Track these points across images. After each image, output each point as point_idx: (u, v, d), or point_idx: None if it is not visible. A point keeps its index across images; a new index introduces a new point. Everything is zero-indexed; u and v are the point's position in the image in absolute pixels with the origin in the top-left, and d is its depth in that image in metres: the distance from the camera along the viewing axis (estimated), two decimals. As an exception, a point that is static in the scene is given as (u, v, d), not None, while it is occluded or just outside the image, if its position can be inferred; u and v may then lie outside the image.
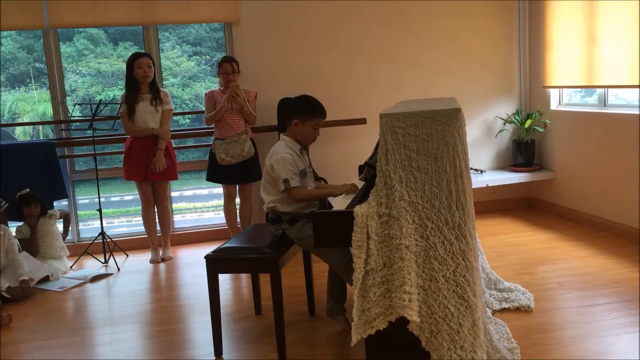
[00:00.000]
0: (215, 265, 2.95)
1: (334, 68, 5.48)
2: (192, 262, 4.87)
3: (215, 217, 6.04)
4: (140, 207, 5.06)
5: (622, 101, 4.96)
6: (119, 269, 4.73)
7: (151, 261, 4.89)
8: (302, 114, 3.15)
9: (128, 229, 6.14)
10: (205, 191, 8.51)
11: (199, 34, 8.19)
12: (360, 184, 3.20)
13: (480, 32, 5.75)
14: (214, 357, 3.04)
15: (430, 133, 2.26)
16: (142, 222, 5.02)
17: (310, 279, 3.51)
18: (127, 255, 5.09)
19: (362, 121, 5.38)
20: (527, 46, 5.82)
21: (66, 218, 4.99)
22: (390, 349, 2.42)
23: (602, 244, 4.57)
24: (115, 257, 4.90)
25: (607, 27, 4.66)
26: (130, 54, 4.86)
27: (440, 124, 2.25)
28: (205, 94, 4.96)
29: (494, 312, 3.35)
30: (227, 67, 4.86)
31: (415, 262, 2.29)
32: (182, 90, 8.50)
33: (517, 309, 3.39)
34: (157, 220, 5.00)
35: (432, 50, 5.66)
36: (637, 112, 4.52)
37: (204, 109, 4.96)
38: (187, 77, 8.42)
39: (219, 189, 5.78)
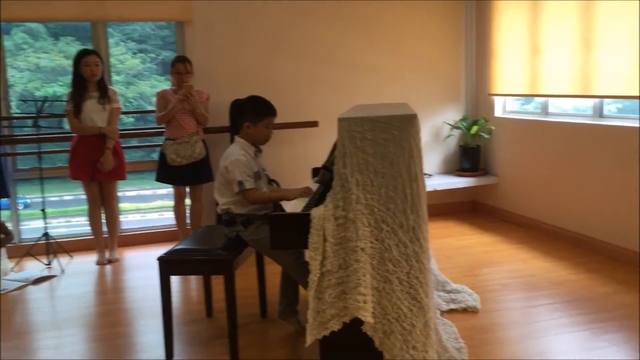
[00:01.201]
0: (168, 266, 2.92)
1: (287, 70, 5.50)
2: (139, 264, 4.79)
3: (160, 218, 5.94)
4: (83, 208, 4.93)
5: (560, 110, 5.17)
6: (63, 270, 4.60)
7: (97, 263, 4.78)
8: (252, 116, 3.17)
9: (68, 229, 5.97)
10: (149, 192, 8.36)
11: (144, 32, 8.03)
12: (314, 187, 3.23)
13: (430, 40, 5.89)
14: (164, 360, 3.00)
15: (387, 138, 2.30)
16: (83, 222, 4.90)
17: (263, 281, 3.51)
18: (72, 257, 4.95)
19: (314, 124, 5.41)
20: (474, 55, 5.99)
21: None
22: (344, 349, 2.45)
23: (543, 247, 4.75)
24: (59, 258, 4.76)
25: (550, 38, 4.85)
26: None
27: (397, 129, 2.30)
28: (157, 93, 4.89)
29: (442, 312, 3.44)
30: (180, 67, 4.81)
31: (370, 264, 2.33)
32: (126, 88, 8.31)
33: (464, 310, 3.49)
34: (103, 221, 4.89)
35: (383, 56, 5.76)
36: (575, 121, 4.73)
37: (148, 108, 4.89)
38: (131, 75, 8.24)
39: (162, 190, 5.69)
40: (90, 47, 5.06)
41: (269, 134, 3.20)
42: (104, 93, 4.70)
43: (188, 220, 5.07)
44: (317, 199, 2.42)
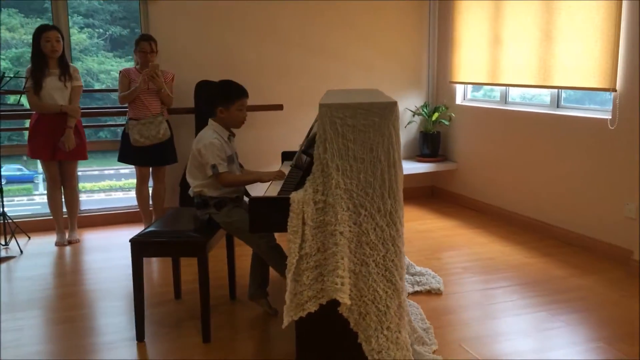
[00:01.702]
0: (141, 248, 2.91)
1: (252, 52, 5.47)
2: (99, 245, 4.72)
3: (120, 198, 5.85)
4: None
5: (520, 99, 5.34)
6: (22, 251, 4.50)
7: (57, 244, 4.69)
8: (223, 100, 3.16)
9: (26, 208, 5.83)
10: (95, 172, 8.22)
11: (91, 5, 7.80)
12: (286, 170, 3.25)
13: (394, 29, 5.96)
14: (136, 342, 2.99)
15: (368, 124, 2.36)
16: (39, 202, 4.79)
17: (233, 263, 3.53)
18: (29, 238, 4.84)
19: (279, 107, 5.42)
20: (436, 44, 6.10)
21: None
22: (320, 330, 2.51)
23: (500, 231, 4.92)
24: (17, 239, 4.65)
25: (511, 29, 4.99)
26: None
27: (377, 115, 2.35)
28: (120, 72, 4.80)
29: (408, 294, 3.54)
30: (145, 46, 4.73)
31: (348, 248, 2.39)
32: (72, 64, 8.10)
33: (428, 292, 3.61)
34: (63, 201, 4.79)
35: (348, 42, 5.80)
36: (530, 110, 4.90)
37: (95, 85, 4.78)
38: (77, 51, 8.02)
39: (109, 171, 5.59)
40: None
41: (244, 116, 3.21)
42: (65, 70, 4.58)
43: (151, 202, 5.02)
44: (297, 183, 2.45)
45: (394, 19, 5.94)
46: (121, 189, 7.44)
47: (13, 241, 4.62)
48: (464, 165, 5.84)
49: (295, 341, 2.52)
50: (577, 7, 4.28)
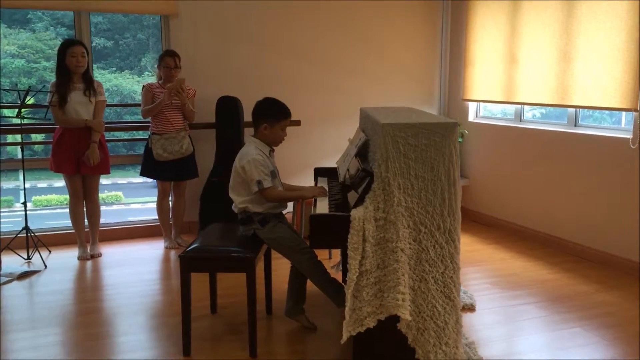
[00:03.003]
0: (190, 264, 2.93)
1: (270, 68, 5.53)
2: (121, 259, 4.71)
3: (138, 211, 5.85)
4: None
5: (534, 117, 5.45)
6: (45, 266, 4.48)
7: (79, 258, 4.67)
8: (270, 118, 3.20)
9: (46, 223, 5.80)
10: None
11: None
12: (326, 186, 3.30)
13: (408, 45, 6.06)
14: (182, 357, 3.01)
15: (429, 144, 2.42)
16: (61, 214, 4.78)
17: (270, 278, 3.55)
18: (50, 252, 4.82)
19: (297, 123, 5.47)
20: (448, 61, 6.21)
21: None
22: (377, 346, 2.55)
23: (517, 247, 5.00)
24: (40, 252, 4.62)
25: (528, 49, 5.10)
26: None
27: (438, 135, 2.41)
28: (143, 86, 4.83)
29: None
30: (170, 62, 4.77)
31: (407, 264, 2.44)
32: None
33: (462, 308, 3.65)
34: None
35: (363, 58, 5.88)
36: (547, 128, 5.01)
37: None
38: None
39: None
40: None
41: (284, 136, 3.26)
42: (89, 85, 4.59)
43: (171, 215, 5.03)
44: (357, 199, 2.50)
45: (408, 35, 6.04)
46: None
47: (36, 255, 4.60)
48: (475, 182, 5.93)
49: (352, 356, 2.55)
50: (596, 28, 4.40)
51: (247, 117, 5.20)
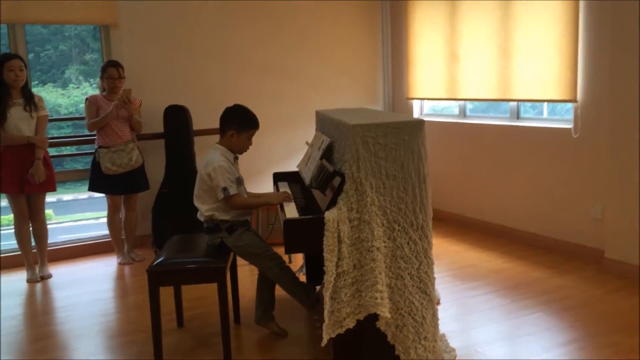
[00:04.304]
0: (159, 278, 2.86)
1: (214, 76, 5.46)
2: (72, 280, 4.52)
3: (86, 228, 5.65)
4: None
5: (479, 112, 5.63)
6: (-7, 291, 4.26)
7: (28, 280, 4.46)
8: (238, 126, 3.18)
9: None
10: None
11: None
12: (288, 191, 3.29)
13: (350, 48, 6.14)
14: (154, 374, 2.93)
15: (398, 142, 2.45)
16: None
17: (236, 287, 3.51)
18: (-4, 276, 4.59)
19: (246, 129, 5.42)
20: (390, 62, 6.32)
21: None
22: (357, 346, 2.56)
23: (469, 239, 5.14)
24: (-16, 278, 4.40)
25: (468, 47, 5.26)
26: None
27: (407, 134, 2.45)
28: (87, 99, 4.67)
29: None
30: (113, 73, 4.63)
31: (383, 262, 2.47)
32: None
33: (427, 302, 3.72)
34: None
35: (307, 64, 5.91)
36: (491, 122, 5.19)
37: None
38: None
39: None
40: None
41: (249, 145, 3.24)
42: (30, 100, 4.41)
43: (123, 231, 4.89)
44: (329, 201, 2.50)
45: (349, 37, 6.10)
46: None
47: (-20, 281, 4.38)
48: (425, 178, 6.04)
49: (333, 358, 2.55)
50: (534, 25, 4.58)
51: (196, 125, 5.17)
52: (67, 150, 5.51)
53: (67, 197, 8.21)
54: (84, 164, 5.41)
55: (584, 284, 3.93)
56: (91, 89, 6.60)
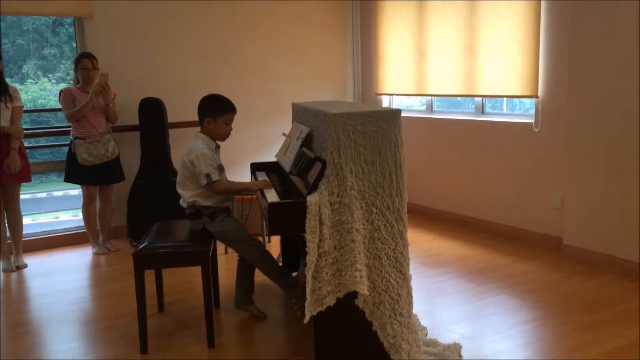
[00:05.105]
0: (144, 261, 2.96)
1: (189, 70, 5.54)
2: (48, 269, 4.56)
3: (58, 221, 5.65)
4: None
5: (446, 108, 5.84)
6: (-32, 281, 4.27)
7: (4, 270, 4.49)
8: (212, 112, 3.29)
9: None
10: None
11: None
12: (266, 179, 3.42)
13: (321, 46, 6.29)
14: (139, 355, 3.02)
15: (376, 130, 2.61)
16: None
17: (216, 272, 3.62)
18: (-32, 267, 4.59)
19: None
20: (360, 59, 6.50)
21: None
22: (337, 323, 2.70)
23: (436, 229, 5.36)
24: (-41, 268, 4.40)
25: (435, 44, 5.46)
26: None
27: (384, 122, 2.61)
28: (61, 92, 4.71)
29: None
30: (87, 63, 4.68)
31: (362, 244, 2.62)
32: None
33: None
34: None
35: (279, 60, 6.04)
36: (456, 117, 5.41)
37: None
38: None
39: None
40: None
41: (229, 130, 3.34)
42: (4, 91, 4.43)
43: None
44: (311, 186, 2.64)
45: (320, 34, 6.26)
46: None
47: (-46, 271, 4.38)
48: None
49: (314, 335, 2.69)
50: (498, 24, 4.81)
51: (171, 118, 5.25)
52: (39, 142, 5.52)
53: (24, 195, 7.98)
54: (55, 156, 5.42)
55: (545, 268, 4.17)
56: (50, 85, 6.58)
